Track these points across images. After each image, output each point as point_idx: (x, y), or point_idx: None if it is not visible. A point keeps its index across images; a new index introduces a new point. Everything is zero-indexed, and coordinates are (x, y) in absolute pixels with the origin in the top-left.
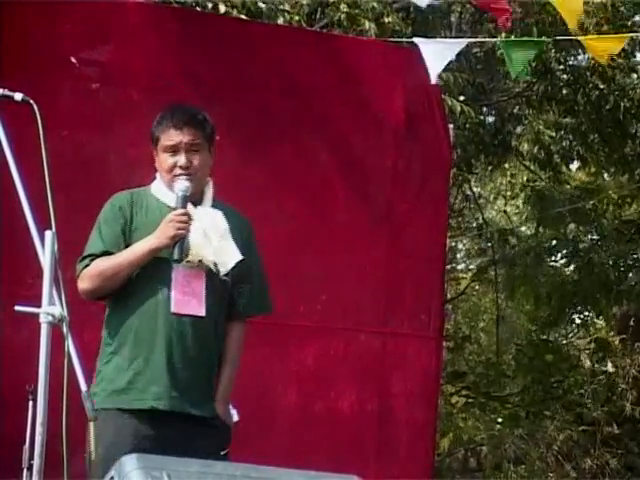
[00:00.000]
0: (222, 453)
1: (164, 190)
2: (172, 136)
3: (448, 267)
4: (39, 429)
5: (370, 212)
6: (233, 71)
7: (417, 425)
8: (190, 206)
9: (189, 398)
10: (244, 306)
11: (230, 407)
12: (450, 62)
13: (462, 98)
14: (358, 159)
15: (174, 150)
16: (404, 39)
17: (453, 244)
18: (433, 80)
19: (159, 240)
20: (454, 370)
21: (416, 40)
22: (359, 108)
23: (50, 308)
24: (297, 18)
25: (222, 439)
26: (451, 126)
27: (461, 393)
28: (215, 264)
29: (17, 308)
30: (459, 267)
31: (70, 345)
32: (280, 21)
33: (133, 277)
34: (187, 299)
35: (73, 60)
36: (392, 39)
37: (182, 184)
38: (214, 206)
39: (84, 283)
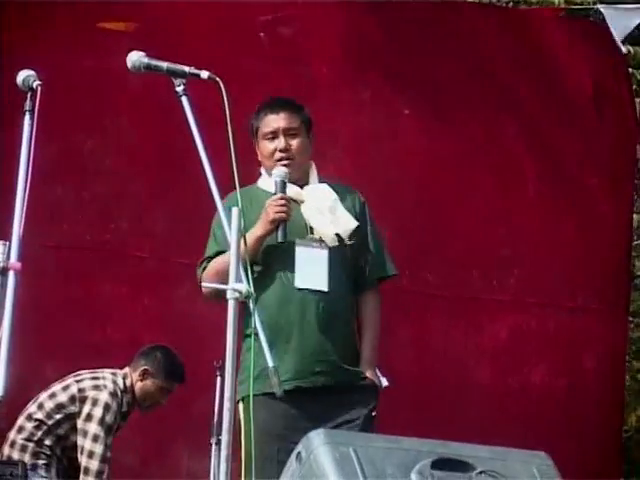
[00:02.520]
0: (373, 414)
1: (269, 181)
2: (270, 122)
3: (636, 242)
4: (227, 404)
5: (559, 188)
6: (421, 48)
7: (605, 400)
8: (296, 188)
9: (331, 370)
10: (369, 272)
11: (379, 374)
12: (635, 34)
13: None
14: (546, 135)
15: (273, 136)
16: (588, 6)
17: None
18: (619, 46)
19: (261, 227)
20: None
21: (600, 7)
22: (546, 84)
23: (237, 285)
24: None
25: (369, 399)
26: (638, 100)
27: None
28: (337, 235)
29: (205, 284)
30: None
31: (257, 321)
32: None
33: (258, 270)
34: (311, 275)
35: (261, 34)
36: (576, 7)
37: (280, 170)
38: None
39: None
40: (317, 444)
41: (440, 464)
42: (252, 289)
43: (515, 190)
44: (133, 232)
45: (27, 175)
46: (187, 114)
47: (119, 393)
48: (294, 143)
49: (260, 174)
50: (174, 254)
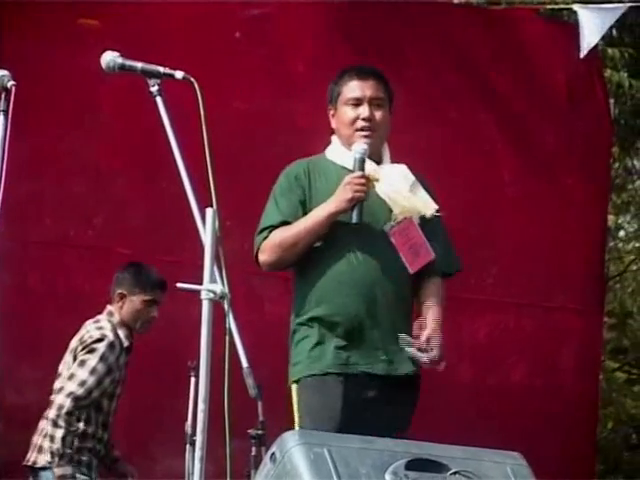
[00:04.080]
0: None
1: (341, 152)
2: (356, 88)
3: (611, 244)
4: (201, 405)
5: (535, 186)
6: (404, 46)
7: (581, 400)
8: (375, 165)
9: (393, 358)
10: (438, 262)
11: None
12: (613, 36)
13: (626, 74)
14: (525, 136)
15: (357, 103)
16: (563, 6)
17: (619, 221)
18: (584, 50)
19: (337, 204)
20: (616, 346)
21: (575, 7)
22: (523, 82)
23: (211, 285)
24: None
25: (417, 393)
26: (612, 101)
27: (623, 369)
28: (418, 213)
29: (179, 285)
30: (621, 245)
31: (231, 322)
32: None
33: (320, 245)
34: (414, 252)
35: (237, 35)
36: (551, 6)
37: (360, 146)
38: None
39: (264, 255)
40: (291, 444)
41: (414, 465)
42: (227, 290)
43: (493, 191)
44: (116, 229)
45: (0, 177)
46: (162, 114)
47: (108, 333)
48: (378, 114)
49: (329, 143)
50: (157, 251)
